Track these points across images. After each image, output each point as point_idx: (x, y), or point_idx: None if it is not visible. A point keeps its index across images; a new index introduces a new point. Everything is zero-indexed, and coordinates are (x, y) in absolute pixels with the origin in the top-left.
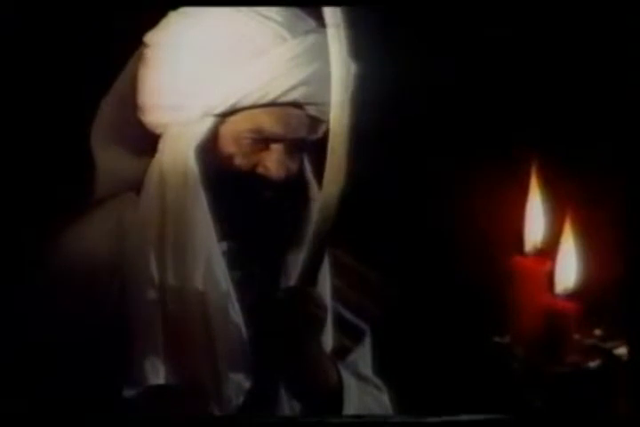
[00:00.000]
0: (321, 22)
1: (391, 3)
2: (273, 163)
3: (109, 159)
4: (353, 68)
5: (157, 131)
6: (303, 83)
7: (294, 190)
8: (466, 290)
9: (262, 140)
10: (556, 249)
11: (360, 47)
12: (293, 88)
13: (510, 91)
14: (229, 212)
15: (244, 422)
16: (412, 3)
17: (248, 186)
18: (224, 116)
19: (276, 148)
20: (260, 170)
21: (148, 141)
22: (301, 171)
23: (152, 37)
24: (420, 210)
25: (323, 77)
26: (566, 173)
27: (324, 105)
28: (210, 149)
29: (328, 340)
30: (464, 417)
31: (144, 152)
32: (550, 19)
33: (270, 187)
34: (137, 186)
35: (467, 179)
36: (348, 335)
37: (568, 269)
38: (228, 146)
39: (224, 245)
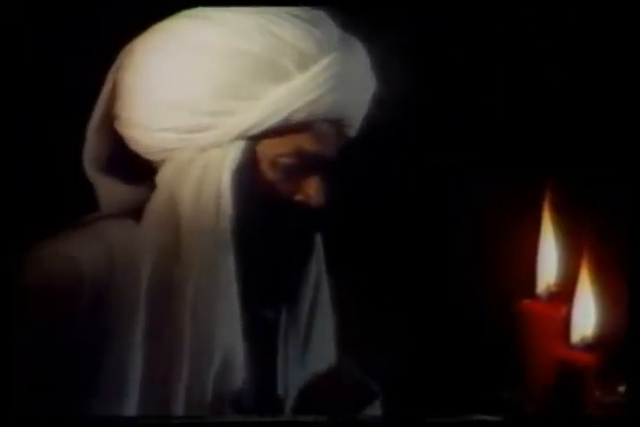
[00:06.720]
0: (348, 33)
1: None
2: (314, 189)
3: (105, 185)
4: (374, 85)
5: (157, 156)
6: (341, 99)
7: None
8: (469, 338)
9: (301, 164)
10: (572, 292)
11: (381, 63)
12: (332, 105)
13: (522, 112)
14: (255, 247)
15: (242, 422)
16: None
17: (279, 216)
18: (259, 138)
19: (316, 172)
20: (300, 197)
21: (143, 168)
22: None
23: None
24: (422, 247)
25: (356, 94)
26: (583, 205)
27: (354, 121)
28: (244, 177)
29: None
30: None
31: (140, 180)
32: (573, 40)
33: (305, 217)
34: (134, 214)
35: (471, 209)
36: (355, 398)
37: (586, 316)
38: (265, 172)
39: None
